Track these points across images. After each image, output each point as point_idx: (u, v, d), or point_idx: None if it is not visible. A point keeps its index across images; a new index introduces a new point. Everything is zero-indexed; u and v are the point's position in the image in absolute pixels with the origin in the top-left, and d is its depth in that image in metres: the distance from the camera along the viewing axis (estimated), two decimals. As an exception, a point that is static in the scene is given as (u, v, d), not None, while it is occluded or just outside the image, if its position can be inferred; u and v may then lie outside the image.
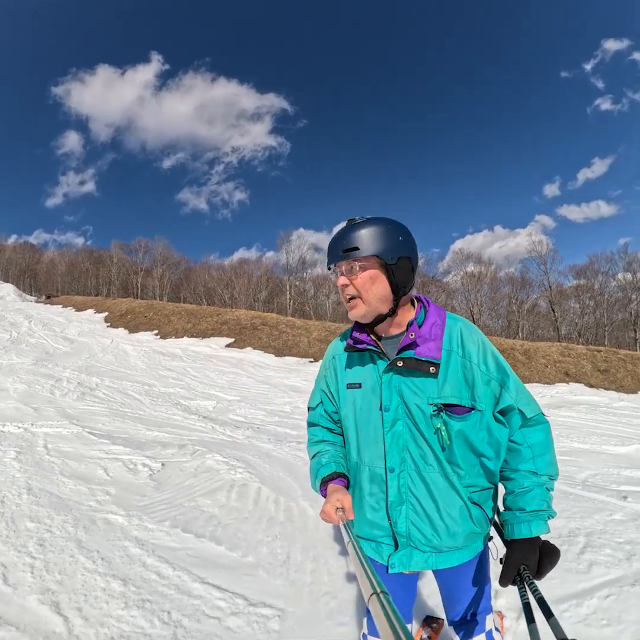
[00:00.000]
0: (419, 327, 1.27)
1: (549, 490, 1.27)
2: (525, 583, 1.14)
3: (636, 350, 27.17)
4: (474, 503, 1.27)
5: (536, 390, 13.26)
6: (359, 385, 1.34)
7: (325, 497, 1.26)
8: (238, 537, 3.06)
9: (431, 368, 1.22)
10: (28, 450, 4.27)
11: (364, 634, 1.51)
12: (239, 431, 6.61)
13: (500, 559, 1.25)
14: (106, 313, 24.39)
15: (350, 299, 1.27)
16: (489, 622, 1.40)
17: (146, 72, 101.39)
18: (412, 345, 1.24)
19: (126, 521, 3.08)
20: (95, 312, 25.42)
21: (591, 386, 14.11)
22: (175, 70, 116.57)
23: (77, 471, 3.94)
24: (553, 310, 39.50)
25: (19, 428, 5.01)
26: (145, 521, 3.13)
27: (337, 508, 1.16)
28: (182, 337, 18.68)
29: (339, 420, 1.45)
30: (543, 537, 1.24)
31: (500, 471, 1.31)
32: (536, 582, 1.15)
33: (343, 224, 1.31)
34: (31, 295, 44.20)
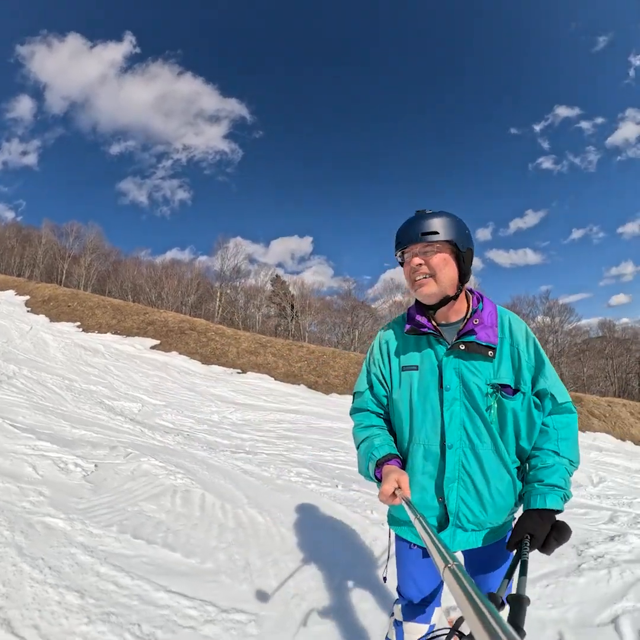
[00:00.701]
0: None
1: (568, 472, 1.31)
2: (523, 549, 1.14)
3: None
4: (517, 478, 1.36)
5: None
6: (416, 368, 1.39)
7: (379, 480, 1.28)
8: (191, 544, 2.92)
9: (489, 352, 1.32)
10: (-56, 444, 3.73)
11: (397, 620, 1.52)
12: (169, 436, 6.34)
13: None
14: (28, 297, 22.59)
15: (423, 277, 1.34)
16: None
17: (115, 51, 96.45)
18: (473, 331, 1.33)
19: (68, 525, 2.81)
20: (16, 294, 23.51)
21: None
22: (145, 55, 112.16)
23: (3, 467, 3.54)
24: None
25: None
26: (89, 526, 2.88)
27: (396, 488, 1.16)
28: (106, 332, 17.61)
29: (387, 404, 1.49)
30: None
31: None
32: (541, 553, 1.18)
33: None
34: None
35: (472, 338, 1.33)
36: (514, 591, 0.99)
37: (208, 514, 3.50)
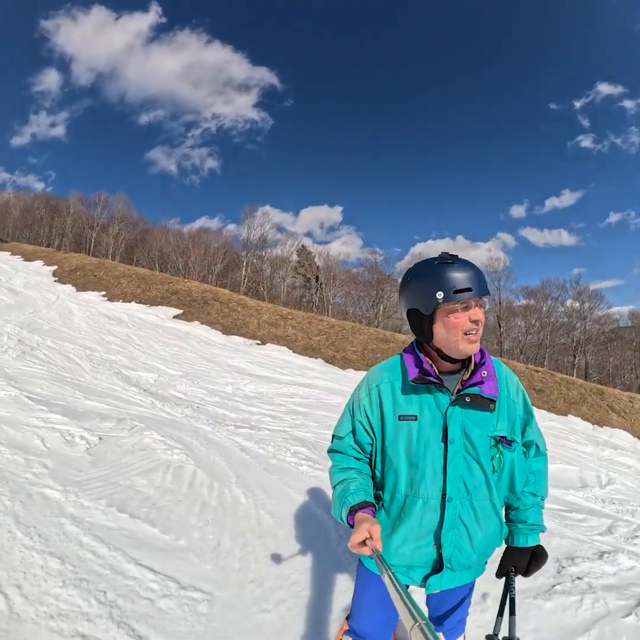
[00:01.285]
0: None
1: (542, 509, 1.55)
2: (511, 582, 1.45)
3: (572, 375, 28.91)
4: (503, 522, 1.50)
5: None
6: (415, 418, 1.38)
7: (351, 526, 1.28)
8: (171, 520, 3.21)
9: (491, 405, 1.37)
10: (-38, 415, 4.17)
11: None
12: (178, 409, 6.68)
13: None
14: (55, 267, 23.26)
15: (474, 333, 1.35)
16: (463, 627, 1.68)
17: (141, 22, 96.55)
18: (479, 383, 1.37)
19: (63, 497, 3.16)
20: (44, 264, 24.20)
21: None
22: (171, 25, 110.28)
23: (14, 439, 3.93)
24: (499, 325, 41.32)
25: (-50, 386, 4.86)
26: (82, 498, 3.22)
27: (367, 538, 1.16)
28: (131, 301, 18.15)
29: (370, 451, 1.49)
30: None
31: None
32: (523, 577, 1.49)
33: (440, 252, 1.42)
34: None
35: (477, 390, 1.35)
36: (506, 633, 1.29)
37: (195, 491, 3.80)
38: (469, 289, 1.30)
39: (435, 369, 1.40)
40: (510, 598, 1.41)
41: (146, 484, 3.74)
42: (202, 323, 16.54)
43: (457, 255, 1.38)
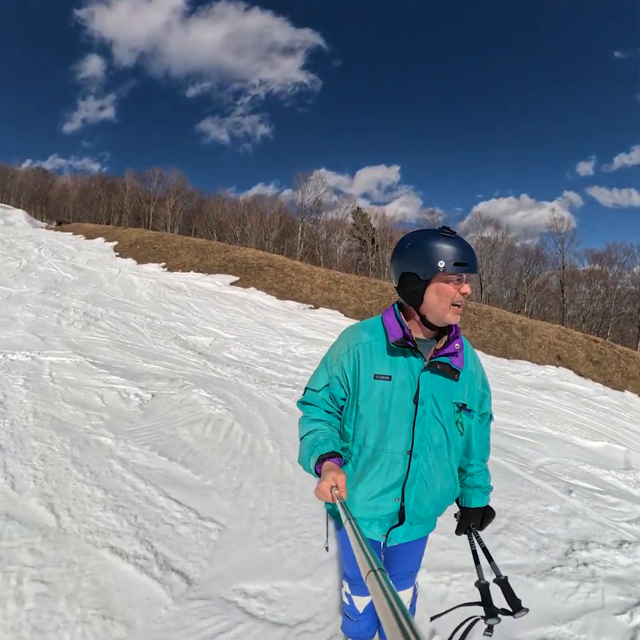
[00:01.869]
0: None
1: (488, 471, 1.74)
2: (473, 537, 1.66)
3: (636, 349, 27.06)
4: (458, 483, 1.65)
5: (524, 368, 13.42)
6: (388, 378, 1.47)
7: (318, 475, 1.37)
8: (204, 464, 3.68)
9: (456, 375, 1.49)
10: (34, 378, 4.89)
11: (346, 593, 1.80)
12: (228, 369, 7.20)
13: (455, 514, 1.72)
14: (116, 242, 24.69)
15: (460, 305, 1.47)
16: (416, 579, 1.89)
17: None
18: (451, 354, 1.49)
19: (114, 443, 3.73)
20: (105, 241, 25.71)
21: (580, 375, 14.17)
22: None
23: (77, 398, 4.59)
24: (562, 290, 39.58)
25: (26, 357, 5.62)
26: (130, 444, 3.78)
27: (332, 486, 1.23)
28: (189, 271, 19.09)
29: (342, 406, 1.58)
30: None
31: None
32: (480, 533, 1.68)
33: (437, 229, 1.50)
34: (42, 222, 44.56)
35: (448, 360, 1.47)
36: (488, 578, 1.49)
37: (230, 441, 4.27)
38: (467, 264, 1.42)
39: (413, 335, 1.50)
40: (482, 548, 1.62)
41: (188, 433, 4.25)
42: (257, 289, 17.17)
43: (455, 232, 1.48)
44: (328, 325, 13.76)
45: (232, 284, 17.57)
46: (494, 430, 6.76)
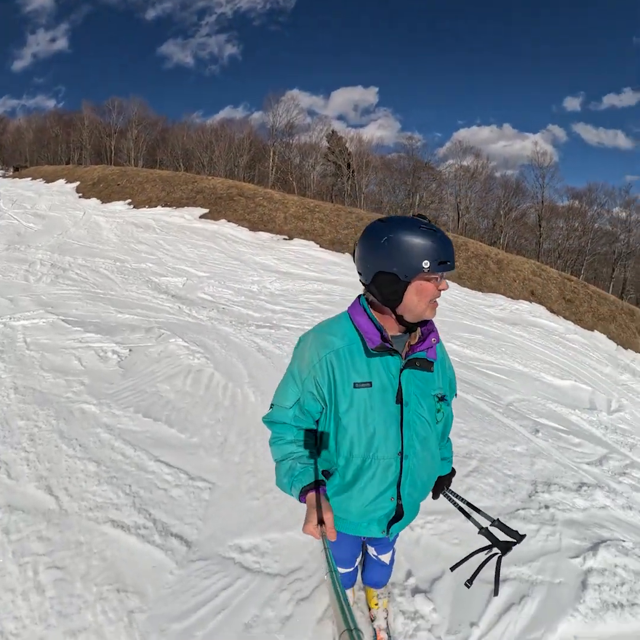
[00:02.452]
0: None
1: (451, 441, 1.86)
2: (451, 496, 1.81)
3: (608, 290, 27.47)
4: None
5: (498, 302, 13.65)
6: (369, 384, 1.39)
7: (304, 503, 1.28)
8: (188, 421, 3.82)
9: (431, 366, 1.46)
10: (9, 347, 4.85)
11: None
12: (203, 312, 7.24)
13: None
14: (78, 182, 23.53)
15: (436, 300, 1.40)
16: (393, 545, 2.01)
17: None
18: (427, 348, 1.44)
19: (98, 409, 3.83)
20: (66, 182, 24.46)
21: (552, 311, 14.39)
22: None
23: (55, 363, 4.61)
24: (540, 224, 39.36)
25: (-2, 323, 5.55)
26: (113, 408, 3.88)
27: (319, 525, 1.17)
28: (156, 206, 18.41)
29: (318, 419, 1.50)
30: None
31: None
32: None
33: (413, 218, 1.38)
34: None
35: (424, 354, 1.43)
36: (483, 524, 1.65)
37: (211, 392, 4.40)
38: (449, 262, 1.33)
39: (389, 334, 1.42)
40: (465, 502, 1.78)
41: (169, 389, 4.36)
42: (228, 221, 16.75)
43: (429, 221, 1.37)
44: (303, 257, 13.65)
45: (201, 217, 17.09)
46: (467, 365, 7.13)
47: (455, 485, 3.12)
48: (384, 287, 1.36)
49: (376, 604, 2.22)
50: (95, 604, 2.12)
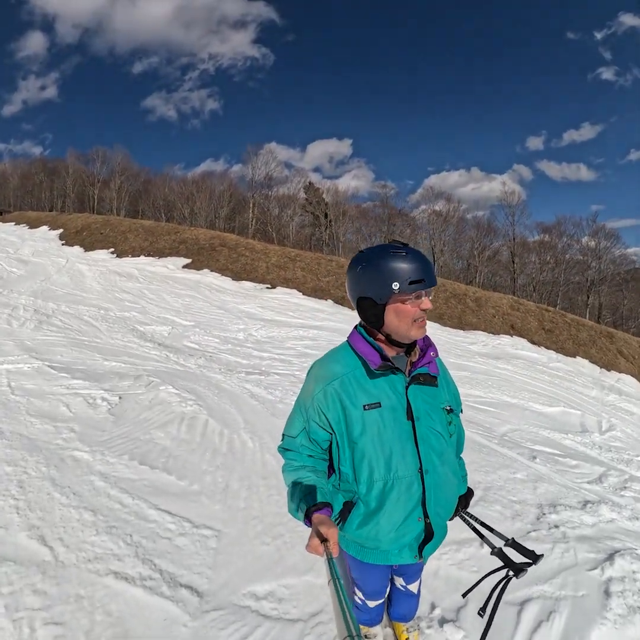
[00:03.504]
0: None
1: (463, 459, 1.81)
2: (466, 517, 1.76)
3: (585, 317, 28.62)
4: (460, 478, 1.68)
5: (480, 338, 13.87)
6: (379, 405, 1.42)
7: (309, 526, 1.27)
8: (186, 468, 3.65)
9: (435, 381, 1.50)
10: (-7, 392, 4.63)
11: (360, 599, 1.86)
12: (191, 360, 7.11)
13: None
14: (61, 230, 23.54)
15: (421, 319, 1.42)
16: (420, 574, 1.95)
17: None
18: (427, 363, 1.49)
19: (91, 457, 3.63)
20: (49, 229, 24.45)
21: (533, 343, 14.68)
22: None
23: (42, 409, 4.39)
24: (513, 261, 41.04)
25: (-19, 368, 5.31)
26: (107, 456, 3.69)
27: (323, 540, 1.16)
28: (139, 255, 18.43)
29: (327, 447, 1.52)
30: None
31: None
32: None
33: (389, 243, 1.46)
34: None
35: (426, 370, 1.47)
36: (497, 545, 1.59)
37: (207, 439, 4.25)
38: (422, 281, 1.36)
39: (389, 355, 1.47)
40: (480, 523, 1.73)
41: (163, 436, 4.19)
42: (211, 271, 16.83)
43: (408, 244, 1.43)
44: (287, 305, 13.71)
45: (184, 266, 17.13)
46: None
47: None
48: (365, 311, 1.45)
49: (407, 638, 2.12)
50: None
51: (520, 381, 9.40)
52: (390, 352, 1.48)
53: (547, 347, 14.65)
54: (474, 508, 3.34)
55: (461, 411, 1.71)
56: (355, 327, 1.56)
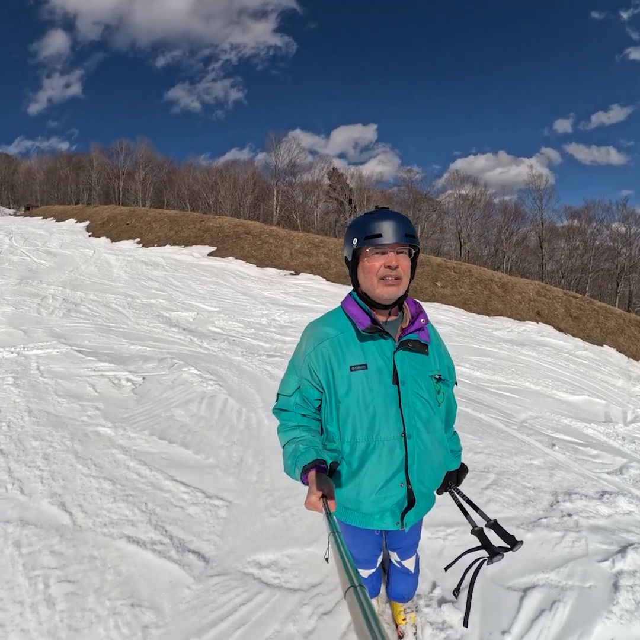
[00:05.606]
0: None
1: (458, 434, 1.82)
2: (454, 493, 1.76)
3: (614, 305, 27.54)
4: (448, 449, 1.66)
5: (505, 324, 13.62)
6: (365, 366, 1.44)
7: (305, 484, 1.30)
8: (203, 443, 3.78)
9: (425, 349, 1.51)
10: (23, 374, 4.87)
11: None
12: (215, 343, 7.25)
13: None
14: (88, 222, 24.16)
15: (392, 279, 1.41)
16: (416, 549, 1.93)
17: None
18: (417, 329, 1.50)
19: (113, 432, 3.80)
20: (76, 222, 25.12)
21: (559, 330, 14.31)
22: None
23: (69, 390, 4.61)
24: (541, 246, 39.76)
25: (11, 353, 5.58)
26: (129, 431, 3.85)
27: (321, 497, 1.18)
28: (165, 245, 18.78)
29: (318, 406, 1.55)
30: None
31: None
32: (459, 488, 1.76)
33: (372, 208, 1.53)
34: (9, 208, 43.06)
35: (416, 336, 1.48)
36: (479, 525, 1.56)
37: (225, 416, 4.37)
38: (379, 235, 1.38)
39: (379, 319, 1.49)
40: (467, 500, 1.71)
41: (183, 414, 4.33)
42: (236, 258, 17.00)
43: (387, 208, 1.47)
44: (310, 291, 13.77)
45: (209, 254, 17.36)
46: (478, 387, 7.05)
47: (475, 497, 3.09)
48: (348, 271, 1.54)
49: (404, 619, 2.12)
50: (108, 619, 2.04)
51: (544, 368, 9.22)
52: (381, 317, 1.50)
53: (574, 335, 14.28)
54: (486, 491, 3.34)
55: (455, 384, 1.71)
56: (350, 292, 1.59)
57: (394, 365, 1.45)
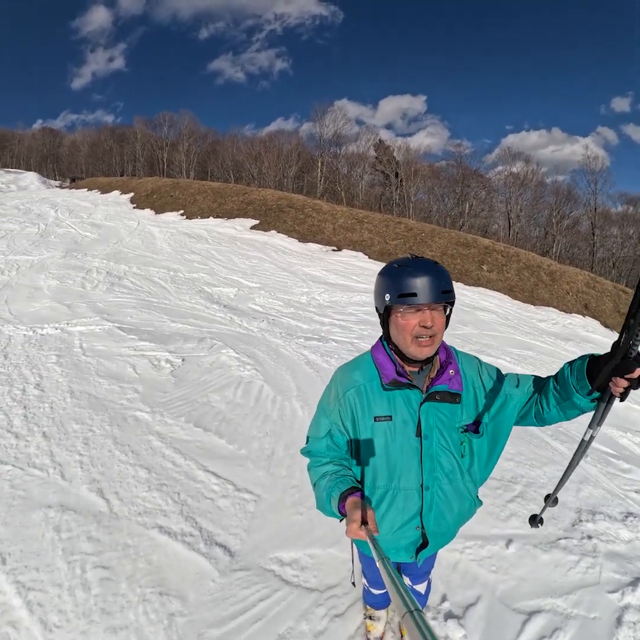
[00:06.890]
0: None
1: None
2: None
3: None
4: (476, 499, 1.61)
5: (550, 316, 13.05)
6: (390, 418, 1.43)
7: (343, 514, 1.30)
8: (237, 432, 3.84)
9: (457, 398, 1.44)
10: (66, 353, 5.05)
11: (365, 585, 1.99)
12: (254, 323, 7.30)
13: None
14: (132, 193, 24.58)
15: (427, 338, 1.35)
16: (428, 576, 1.95)
17: None
18: (446, 380, 1.43)
19: (151, 417, 3.91)
20: (121, 193, 25.61)
21: (606, 326, 13.60)
22: None
23: (110, 370, 4.76)
24: (593, 233, 37.23)
25: (56, 329, 5.80)
26: (166, 417, 3.95)
27: (363, 523, 1.17)
28: (208, 217, 18.96)
29: (347, 450, 1.54)
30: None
31: (546, 389, 1.40)
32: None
33: (402, 256, 1.45)
34: (55, 181, 44.50)
35: (445, 387, 1.42)
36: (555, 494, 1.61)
37: (260, 404, 4.41)
38: (414, 294, 1.31)
39: (406, 369, 1.44)
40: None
41: (219, 399, 4.40)
42: (278, 232, 16.97)
43: (421, 258, 1.39)
44: (352, 268, 13.63)
45: (252, 228, 17.41)
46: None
47: (498, 511, 3.09)
48: (380, 322, 1.49)
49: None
50: (138, 605, 2.15)
51: (587, 368, 8.70)
52: (412, 368, 1.46)
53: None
54: (510, 504, 3.22)
55: (516, 377, 1.50)
56: (381, 337, 1.55)
57: (419, 417, 1.43)
